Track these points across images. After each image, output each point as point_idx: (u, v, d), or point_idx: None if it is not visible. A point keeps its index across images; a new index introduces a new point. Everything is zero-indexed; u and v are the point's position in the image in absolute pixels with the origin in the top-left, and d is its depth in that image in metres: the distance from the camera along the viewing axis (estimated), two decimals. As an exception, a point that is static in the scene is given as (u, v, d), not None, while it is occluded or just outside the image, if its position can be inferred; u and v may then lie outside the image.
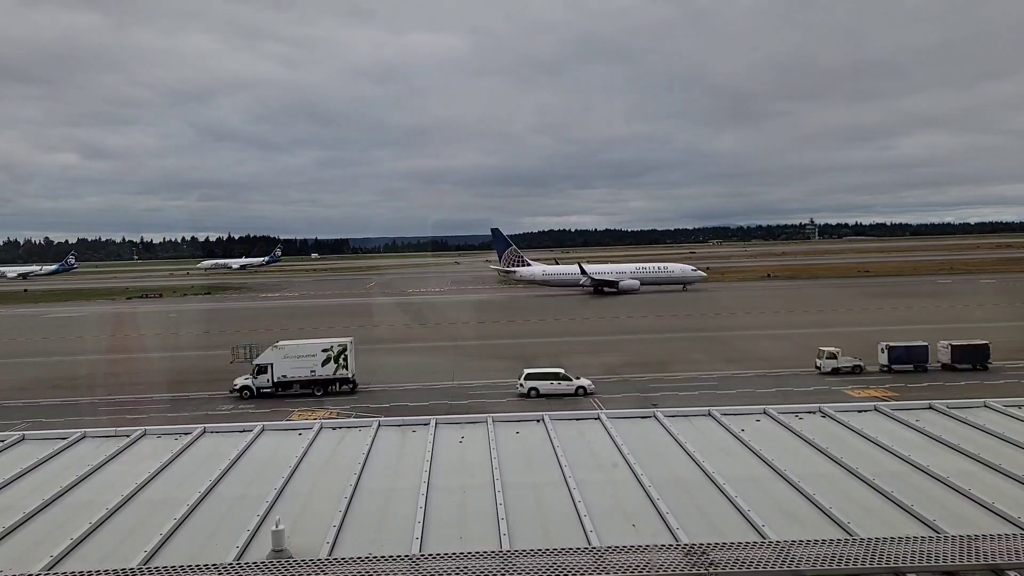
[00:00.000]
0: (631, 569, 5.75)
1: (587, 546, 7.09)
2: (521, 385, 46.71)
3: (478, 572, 5.72)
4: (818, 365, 51.11)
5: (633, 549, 6.13)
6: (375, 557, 6.17)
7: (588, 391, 46.31)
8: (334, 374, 49.80)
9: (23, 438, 11.51)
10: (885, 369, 51.32)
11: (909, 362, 51.57)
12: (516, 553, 6.12)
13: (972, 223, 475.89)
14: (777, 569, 5.80)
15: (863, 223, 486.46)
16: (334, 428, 11.77)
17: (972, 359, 51.38)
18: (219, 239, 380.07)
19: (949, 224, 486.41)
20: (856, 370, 50.66)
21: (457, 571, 5.75)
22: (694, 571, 5.75)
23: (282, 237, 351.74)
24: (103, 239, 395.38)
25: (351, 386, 50.11)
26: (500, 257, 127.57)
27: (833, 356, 50.80)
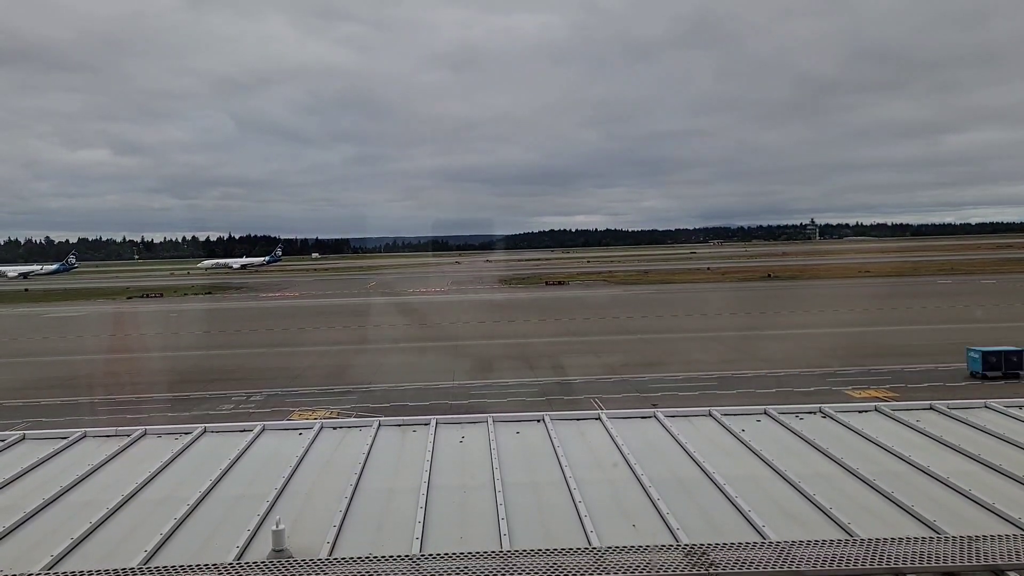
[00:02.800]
0: (631, 569, 5.75)
1: (587, 546, 7.08)
2: None
3: (478, 572, 5.72)
4: None
5: (633, 549, 6.13)
6: (375, 557, 6.17)
7: None
8: None
9: (23, 438, 11.52)
10: None
11: None
12: (516, 553, 6.12)
13: (973, 223, 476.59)
14: (777, 569, 5.80)
15: (864, 223, 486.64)
16: (334, 428, 11.78)
17: None
18: (220, 239, 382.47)
19: (950, 224, 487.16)
20: None
21: (457, 571, 5.75)
22: (694, 571, 5.75)
23: (283, 237, 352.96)
24: (104, 238, 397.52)
25: None
26: None
27: None
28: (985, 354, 47.63)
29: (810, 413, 12.05)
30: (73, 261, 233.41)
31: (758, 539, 7.57)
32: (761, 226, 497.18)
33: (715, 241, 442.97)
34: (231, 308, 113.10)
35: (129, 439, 11.30)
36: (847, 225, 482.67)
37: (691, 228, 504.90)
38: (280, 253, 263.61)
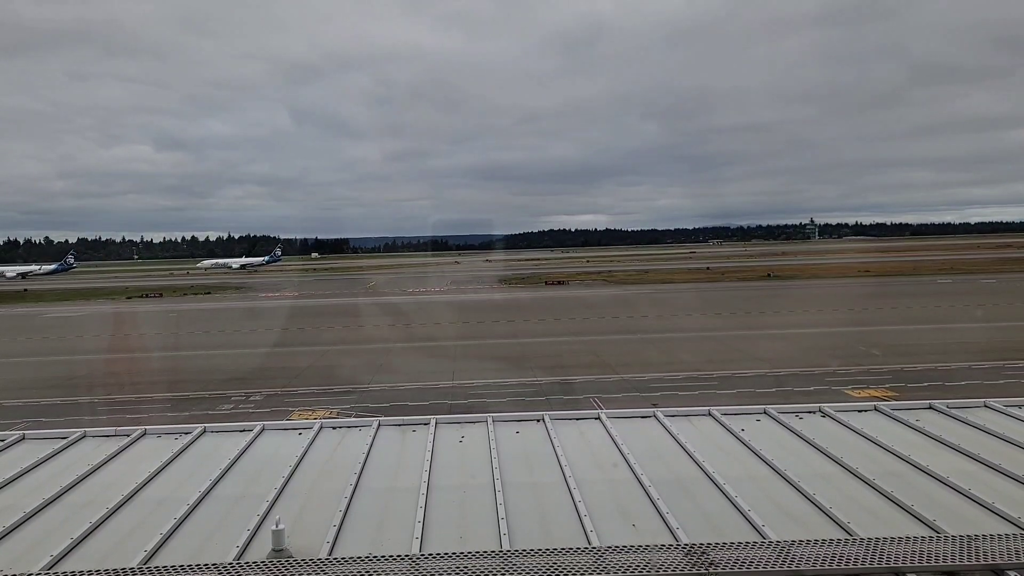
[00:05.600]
0: (631, 569, 5.75)
1: (587, 546, 7.09)
2: None
3: (478, 572, 5.72)
4: None
5: (633, 549, 6.13)
6: (375, 557, 6.17)
7: None
8: None
9: (23, 438, 11.52)
10: None
11: None
12: (516, 553, 6.12)
13: (972, 223, 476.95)
14: (777, 569, 5.80)
15: (864, 223, 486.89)
16: (334, 427, 11.78)
17: None
18: (219, 239, 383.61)
19: (949, 224, 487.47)
20: None
21: (457, 571, 5.75)
22: (694, 571, 5.75)
23: (282, 236, 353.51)
24: (103, 238, 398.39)
25: None
26: None
27: None
28: None
29: (810, 413, 12.06)
30: (71, 261, 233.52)
31: (758, 539, 7.58)
32: (760, 225, 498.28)
33: (714, 241, 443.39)
34: (230, 308, 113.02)
35: (129, 439, 11.30)
36: (846, 225, 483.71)
37: (690, 228, 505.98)
38: (280, 253, 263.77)
